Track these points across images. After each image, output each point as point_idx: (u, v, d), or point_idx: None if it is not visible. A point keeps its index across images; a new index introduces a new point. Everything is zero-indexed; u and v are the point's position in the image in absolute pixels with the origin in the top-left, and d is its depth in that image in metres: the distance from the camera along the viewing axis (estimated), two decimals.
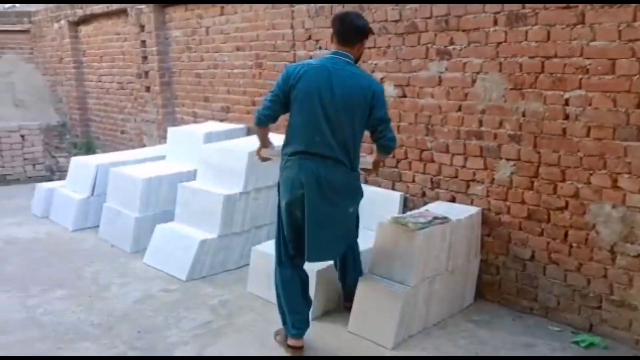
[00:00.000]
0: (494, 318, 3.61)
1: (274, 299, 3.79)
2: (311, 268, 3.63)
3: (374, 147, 3.32)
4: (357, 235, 3.50)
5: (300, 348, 3.19)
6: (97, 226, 5.52)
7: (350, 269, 3.58)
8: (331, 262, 3.67)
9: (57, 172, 7.99)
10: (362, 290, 3.44)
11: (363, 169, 3.31)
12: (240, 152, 4.43)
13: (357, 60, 3.12)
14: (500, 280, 3.74)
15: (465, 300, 3.77)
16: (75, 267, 4.63)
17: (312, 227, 3.02)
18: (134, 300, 3.97)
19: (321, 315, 3.67)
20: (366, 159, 3.45)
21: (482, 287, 3.82)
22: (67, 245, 5.20)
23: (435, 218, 3.47)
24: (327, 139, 2.98)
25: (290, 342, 3.19)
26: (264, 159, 3.47)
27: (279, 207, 3.20)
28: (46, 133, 8.64)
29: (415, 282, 3.31)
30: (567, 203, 3.34)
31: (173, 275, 4.33)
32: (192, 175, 5.17)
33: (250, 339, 3.40)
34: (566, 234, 3.38)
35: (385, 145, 3.13)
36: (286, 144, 3.14)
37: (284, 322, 3.25)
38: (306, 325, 3.24)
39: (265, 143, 3.41)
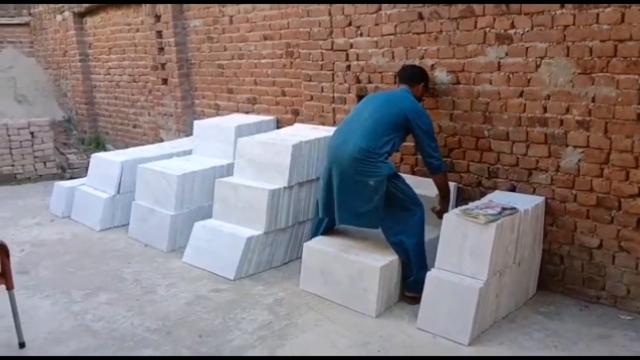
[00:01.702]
0: (561, 309, 3.53)
1: (329, 296, 3.74)
2: (374, 264, 3.55)
3: None
4: (411, 235, 3.61)
5: None
6: (125, 225, 5.37)
7: (412, 266, 3.61)
8: (396, 256, 3.61)
9: (68, 170, 7.76)
10: (432, 285, 3.33)
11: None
12: (284, 146, 4.28)
13: (419, 98, 3.87)
14: (564, 270, 3.66)
15: (529, 291, 3.68)
16: (113, 268, 4.47)
17: (337, 191, 3.67)
18: (186, 302, 3.82)
19: (384, 311, 3.56)
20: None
21: (544, 277, 3.73)
22: (97, 246, 5.03)
23: (504, 209, 3.36)
24: (355, 126, 3.66)
25: None
26: None
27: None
28: (52, 129, 8.36)
29: (488, 276, 3.21)
30: None
31: (219, 275, 4.19)
32: (225, 170, 5.02)
33: (318, 338, 3.28)
34: (638, 222, 3.29)
35: (424, 161, 3.72)
36: None
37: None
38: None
39: None
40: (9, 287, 3.25)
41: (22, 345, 3.28)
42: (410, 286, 3.64)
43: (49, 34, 9.08)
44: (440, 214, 3.64)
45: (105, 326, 3.53)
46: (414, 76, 3.86)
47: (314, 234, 4.05)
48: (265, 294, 3.90)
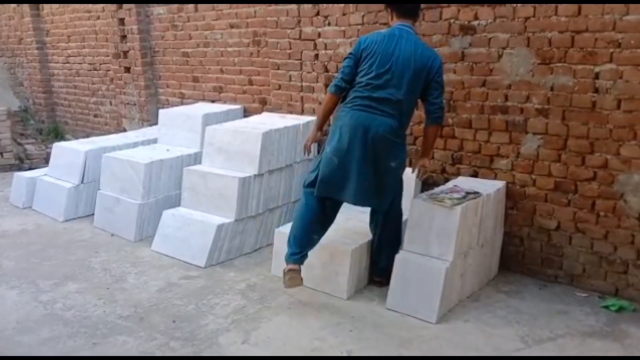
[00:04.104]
0: (521, 288, 3.72)
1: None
2: (345, 247, 3.64)
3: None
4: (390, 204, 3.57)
5: (293, 270, 3.43)
6: (89, 215, 5.31)
7: (386, 244, 3.66)
8: (365, 240, 3.69)
9: (26, 161, 7.55)
10: (400, 267, 3.45)
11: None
12: (254, 133, 4.32)
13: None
14: (524, 251, 3.85)
15: (491, 272, 3.86)
16: (80, 258, 4.42)
17: (356, 172, 3.33)
18: (157, 289, 3.83)
19: (354, 293, 3.67)
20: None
21: (505, 258, 3.91)
22: (62, 236, 4.95)
23: (468, 193, 3.51)
24: (384, 95, 3.27)
25: (285, 267, 3.45)
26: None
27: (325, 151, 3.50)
28: (9, 119, 8.10)
29: (454, 257, 3.35)
30: (595, 174, 3.45)
31: (189, 262, 4.21)
32: (193, 159, 5.02)
33: (292, 320, 3.36)
34: (593, 204, 3.50)
35: (431, 109, 3.36)
36: (346, 100, 3.44)
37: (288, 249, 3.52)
38: (302, 257, 3.49)
39: (321, 125, 3.63)
40: None
41: None
42: (379, 272, 3.74)
43: (3, 20, 8.77)
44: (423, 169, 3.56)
45: (76, 314, 3.51)
46: (419, 10, 3.46)
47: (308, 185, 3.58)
48: (237, 279, 3.95)
